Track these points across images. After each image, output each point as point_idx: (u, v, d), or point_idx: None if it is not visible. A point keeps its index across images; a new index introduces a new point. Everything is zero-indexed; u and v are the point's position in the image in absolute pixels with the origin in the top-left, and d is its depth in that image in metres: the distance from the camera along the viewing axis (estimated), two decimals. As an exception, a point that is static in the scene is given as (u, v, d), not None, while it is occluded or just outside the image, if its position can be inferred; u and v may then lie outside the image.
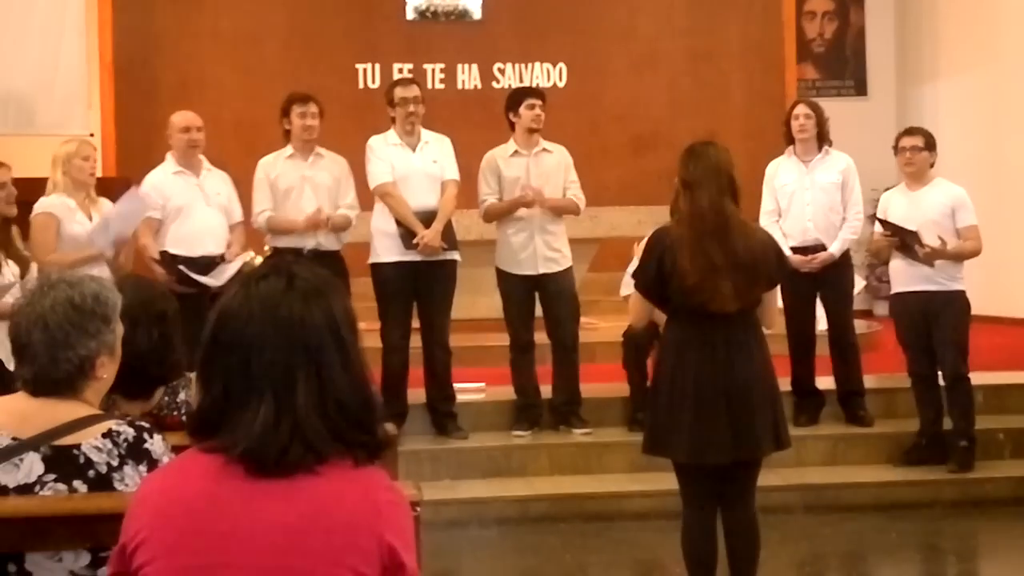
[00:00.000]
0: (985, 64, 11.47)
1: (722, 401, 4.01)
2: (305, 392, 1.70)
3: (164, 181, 6.32)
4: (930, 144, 6.27)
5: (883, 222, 6.23)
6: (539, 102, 6.56)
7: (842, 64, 13.25)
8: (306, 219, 6.32)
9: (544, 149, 6.61)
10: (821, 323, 6.70)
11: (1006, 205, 9.77)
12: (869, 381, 6.91)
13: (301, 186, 6.43)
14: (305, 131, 6.43)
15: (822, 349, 6.67)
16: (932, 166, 6.30)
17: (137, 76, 10.53)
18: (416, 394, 6.55)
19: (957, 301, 6.13)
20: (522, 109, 6.52)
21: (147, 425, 2.33)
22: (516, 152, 6.56)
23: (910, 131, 6.42)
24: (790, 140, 6.69)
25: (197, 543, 1.68)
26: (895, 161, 6.42)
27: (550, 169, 6.58)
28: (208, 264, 6.17)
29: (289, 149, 6.51)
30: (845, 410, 6.69)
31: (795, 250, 6.44)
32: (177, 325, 3.04)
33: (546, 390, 6.65)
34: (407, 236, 6.30)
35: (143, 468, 2.25)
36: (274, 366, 1.70)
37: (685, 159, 4.17)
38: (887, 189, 11.66)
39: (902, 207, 6.27)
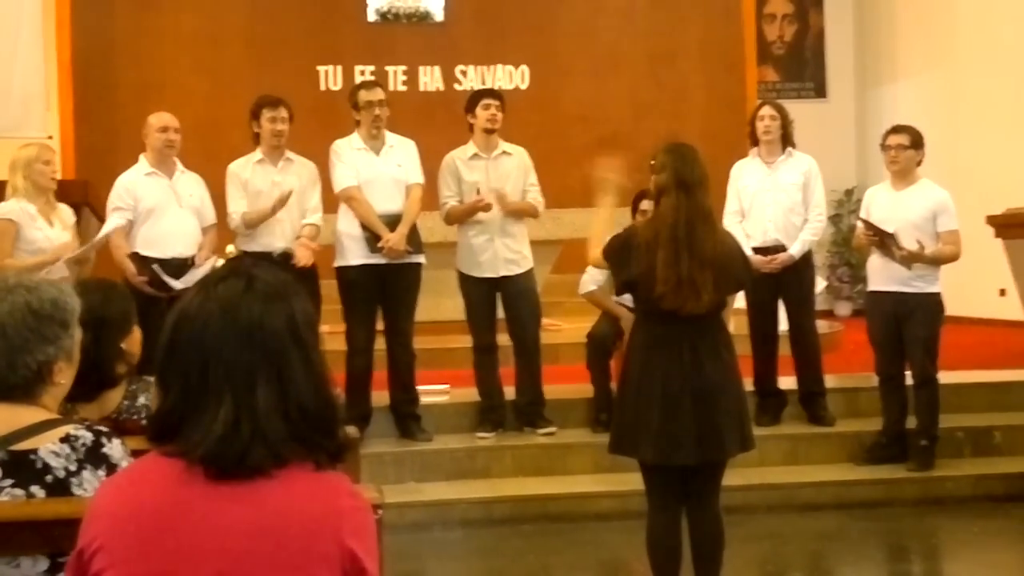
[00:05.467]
0: (942, 66, 11.59)
1: (689, 402, 4.02)
2: (265, 394, 1.68)
3: (136, 182, 6.27)
4: (916, 142, 6.26)
5: (865, 222, 6.25)
6: (495, 102, 6.56)
7: (802, 66, 13.35)
8: (273, 203, 6.24)
9: (504, 152, 6.60)
10: (783, 323, 6.74)
11: (964, 206, 9.85)
12: (831, 381, 6.95)
13: (271, 192, 6.38)
14: (275, 136, 6.39)
15: (783, 349, 6.70)
16: (919, 164, 6.31)
17: (96, 77, 10.45)
18: (380, 396, 6.53)
19: (931, 303, 6.16)
20: (478, 110, 6.52)
21: (105, 429, 2.30)
22: (475, 155, 6.55)
23: (896, 129, 6.38)
24: (754, 141, 6.71)
25: (154, 550, 1.65)
26: (855, 162, 6.46)
27: (509, 172, 6.58)
28: (179, 266, 6.13)
29: (258, 154, 6.46)
30: (806, 410, 6.73)
31: (756, 250, 6.47)
32: (123, 330, 3.00)
33: (510, 392, 6.65)
34: (372, 240, 6.28)
35: (102, 472, 2.22)
36: (233, 369, 1.68)
37: (677, 158, 4.12)
38: (849, 191, 11.75)
39: (885, 205, 6.29)
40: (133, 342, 3.07)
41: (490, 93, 6.77)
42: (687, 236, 4.00)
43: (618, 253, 4.18)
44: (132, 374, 3.07)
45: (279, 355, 1.70)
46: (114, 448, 2.26)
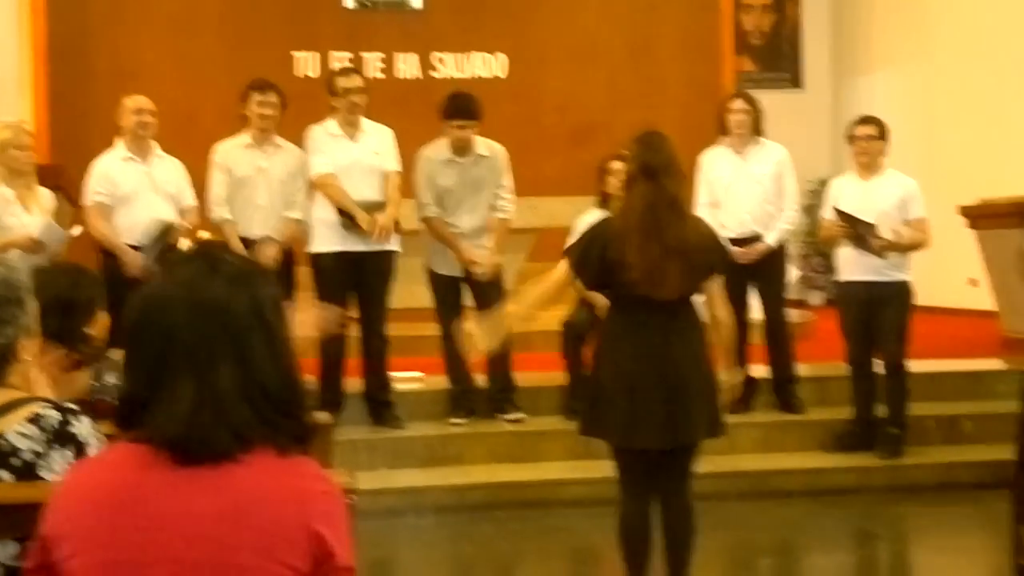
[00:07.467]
0: (918, 57, 11.65)
1: (658, 387, 4.04)
2: (228, 377, 1.66)
3: (112, 167, 6.27)
4: (883, 133, 6.33)
5: (840, 212, 6.28)
6: (469, 123, 6.36)
7: (778, 57, 13.39)
8: (269, 250, 6.17)
9: (480, 155, 6.49)
10: (756, 312, 6.78)
11: (936, 196, 9.93)
12: (803, 369, 7.00)
13: (255, 178, 6.38)
14: (261, 120, 6.37)
15: (756, 337, 6.74)
16: (884, 155, 6.37)
17: (70, 62, 10.38)
18: (353, 383, 6.54)
19: (902, 291, 6.23)
20: (452, 129, 6.40)
21: (74, 407, 2.28)
22: (450, 160, 6.48)
23: (864, 120, 6.45)
24: (724, 131, 6.74)
25: (120, 537, 1.63)
26: (829, 152, 6.51)
27: (482, 176, 6.50)
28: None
29: (246, 138, 6.44)
30: (778, 397, 6.78)
31: (733, 242, 6.49)
32: (88, 315, 3.00)
33: (483, 379, 6.66)
34: (349, 224, 6.26)
35: (69, 453, 2.21)
36: (195, 351, 1.67)
37: (644, 146, 4.15)
38: (823, 181, 11.77)
39: (854, 196, 6.33)
40: (99, 326, 3.07)
41: (464, 112, 6.40)
42: (653, 224, 4.02)
43: (584, 252, 4.17)
44: (97, 357, 3.07)
45: (241, 337, 1.68)
46: (81, 426, 2.25)
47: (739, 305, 6.60)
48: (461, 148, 6.44)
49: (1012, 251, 7.63)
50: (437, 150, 6.51)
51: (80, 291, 2.99)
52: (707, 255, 4.14)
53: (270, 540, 1.63)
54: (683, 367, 4.08)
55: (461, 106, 6.42)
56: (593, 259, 4.11)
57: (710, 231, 4.33)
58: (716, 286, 4.24)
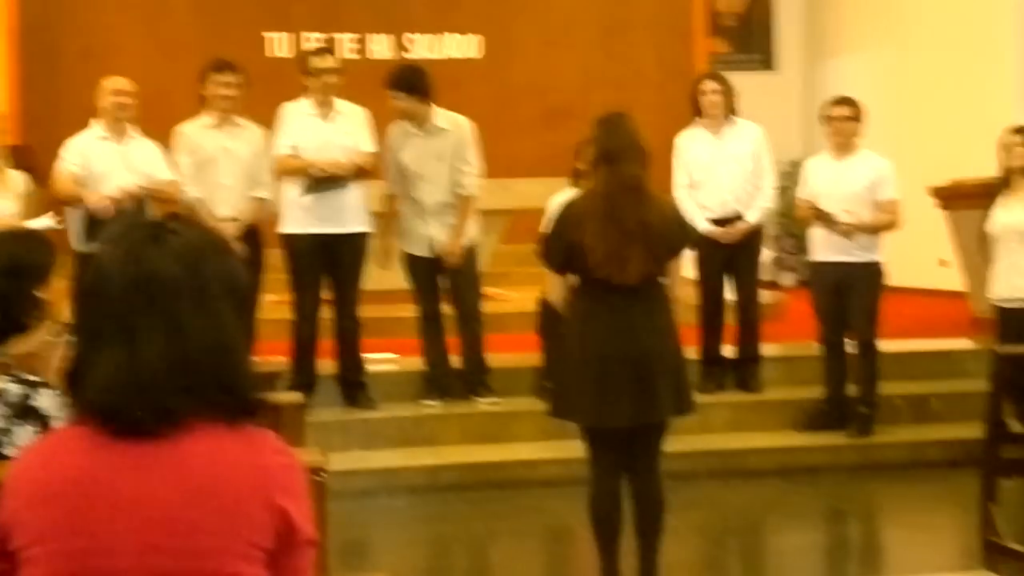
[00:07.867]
0: (889, 39, 11.70)
1: (625, 366, 4.07)
2: (157, 348, 1.61)
3: (88, 145, 6.21)
4: (858, 114, 6.37)
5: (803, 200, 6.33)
6: (401, 95, 6.33)
7: (751, 38, 13.40)
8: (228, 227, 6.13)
9: (441, 128, 6.44)
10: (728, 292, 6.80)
11: (909, 177, 9.99)
12: (773, 349, 7.04)
13: (220, 158, 6.34)
14: (222, 100, 6.34)
15: (728, 318, 6.77)
16: (858, 136, 6.41)
17: (41, 43, 10.29)
18: (326, 364, 6.53)
19: (873, 272, 6.28)
20: (391, 100, 6.38)
21: (36, 379, 2.26)
22: (409, 133, 6.45)
23: (839, 100, 6.48)
24: (697, 112, 6.74)
25: (81, 524, 1.58)
26: (801, 133, 6.54)
27: (441, 150, 6.43)
28: None
29: (208, 118, 6.40)
30: (736, 375, 6.77)
31: (715, 222, 6.52)
32: (38, 279, 2.97)
33: (458, 360, 6.67)
34: (315, 181, 6.25)
35: (31, 427, 2.19)
36: (125, 321, 1.62)
37: (604, 130, 4.18)
38: (795, 162, 11.79)
39: (827, 176, 6.37)
40: (52, 291, 3.03)
41: (396, 83, 6.37)
42: (612, 209, 4.05)
43: (551, 237, 4.22)
44: (50, 321, 3.03)
45: (174, 308, 1.63)
46: (44, 399, 2.22)
47: (716, 285, 6.64)
48: (411, 119, 6.40)
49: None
50: (400, 124, 6.49)
51: (32, 255, 2.96)
52: (670, 237, 4.16)
53: (234, 519, 1.59)
54: (649, 346, 4.11)
55: (396, 78, 6.42)
56: (559, 243, 4.15)
57: (674, 211, 4.35)
58: (678, 266, 4.26)
